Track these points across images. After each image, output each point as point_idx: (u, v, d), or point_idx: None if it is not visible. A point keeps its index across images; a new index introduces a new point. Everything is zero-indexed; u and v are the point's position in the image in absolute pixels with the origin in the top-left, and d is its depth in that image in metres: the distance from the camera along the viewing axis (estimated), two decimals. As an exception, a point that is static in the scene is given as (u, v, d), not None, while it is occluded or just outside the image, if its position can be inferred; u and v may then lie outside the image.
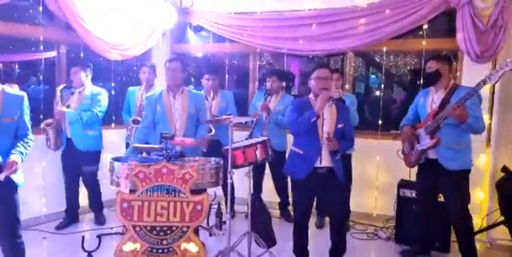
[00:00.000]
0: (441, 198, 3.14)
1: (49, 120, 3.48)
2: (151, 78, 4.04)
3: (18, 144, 2.32)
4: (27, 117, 2.41)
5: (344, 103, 3.33)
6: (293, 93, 4.83)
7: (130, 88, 4.15)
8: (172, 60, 3.21)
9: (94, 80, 3.80)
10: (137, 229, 2.57)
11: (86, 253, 2.62)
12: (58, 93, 3.54)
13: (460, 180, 2.89)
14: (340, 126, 2.75)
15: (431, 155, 2.95)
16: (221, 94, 4.06)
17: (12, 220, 2.33)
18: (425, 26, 3.86)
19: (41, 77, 3.83)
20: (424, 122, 2.99)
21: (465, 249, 2.95)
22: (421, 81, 3.86)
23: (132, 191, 2.68)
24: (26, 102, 2.40)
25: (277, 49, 4.39)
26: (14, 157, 2.22)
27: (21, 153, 2.29)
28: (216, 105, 3.97)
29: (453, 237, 3.26)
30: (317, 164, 2.72)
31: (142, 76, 4.04)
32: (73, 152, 3.62)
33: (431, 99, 3.00)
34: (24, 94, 2.40)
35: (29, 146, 2.38)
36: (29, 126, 2.43)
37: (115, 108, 4.37)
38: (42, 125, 3.47)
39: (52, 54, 3.94)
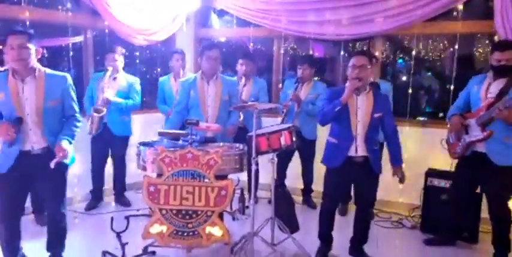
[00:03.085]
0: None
1: (99, 107, 3.49)
2: (184, 65, 4.03)
3: (66, 127, 2.39)
4: (72, 98, 2.44)
5: (378, 88, 3.23)
6: (318, 79, 4.75)
7: (161, 78, 4.14)
8: (212, 48, 3.09)
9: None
10: (163, 212, 2.62)
11: (115, 234, 2.70)
12: (106, 80, 3.53)
13: (507, 176, 2.75)
14: (377, 115, 2.66)
15: (480, 148, 2.80)
16: (254, 81, 3.99)
17: (59, 194, 2.47)
18: (460, 8, 3.67)
19: (70, 62, 3.90)
20: (476, 113, 2.82)
21: (500, 242, 2.87)
22: (456, 67, 3.70)
23: (158, 175, 2.74)
24: (70, 82, 2.42)
25: (302, 33, 4.28)
26: (62, 142, 2.29)
27: (69, 136, 2.37)
28: (248, 91, 3.93)
29: (481, 228, 3.19)
30: (352, 153, 2.68)
31: (175, 64, 4.01)
32: (106, 136, 3.69)
33: (485, 88, 2.80)
34: (67, 75, 2.42)
35: (77, 127, 2.45)
36: (76, 107, 2.47)
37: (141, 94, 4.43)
38: (92, 112, 3.48)
39: (79, 39, 4.00)
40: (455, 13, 3.72)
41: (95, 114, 3.47)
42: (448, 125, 3.03)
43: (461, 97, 3.00)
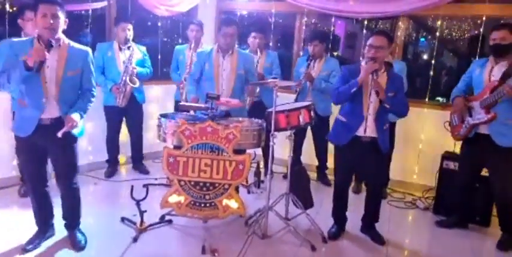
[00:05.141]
0: (485, 172, 3.04)
1: (134, 79, 3.63)
2: (199, 36, 3.99)
3: (80, 101, 2.41)
4: (91, 72, 2.45)
5: (391, 67, 3.18)
6: (336, 54, 4.67)
7: (177, 47, 4.13)
8: (228, 25, 3.06)
9: (141, 36, 3.84)
10: (182, 183, 2.69)
11: (135, 202, 2.78)
12: (135, 50, 3.62)
13: (510, 157, 2.77)
14: (389, 95, 2.63)
15: (483, 130, 2.82)
16: (266, 54, 3.99)
17: (70, 166, 2.49)
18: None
19: (91, 29, 3.91)
20: (479, 95, 2.83)
21: (505, 226, 2.90)
22: (479, 50, 3.61)
23: (177, 147, 2.79)
24: (91, 56, 2.44)
25: (325, 10, 4.18)
26: (73, 114, 2.31)
27: (82, 110, 2.39)
28: (261, 64, 3.92)
29: (494, 212, 3.20)
30: (361, 133, 2.69)
31: (190, 34, 3.99)
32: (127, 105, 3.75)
33: (488, 70, 2.81)
34: (89, 49, 2.44)
35: (91, 102, 2.46)
36: (94, 81, 2.48)
37: (160, 64, 4.44)
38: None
39: (102, 4, 3.98)
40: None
41: (131, 85, 3.60)
42: (452, 107, 3.03)
43: (463, 80, 3.03)
